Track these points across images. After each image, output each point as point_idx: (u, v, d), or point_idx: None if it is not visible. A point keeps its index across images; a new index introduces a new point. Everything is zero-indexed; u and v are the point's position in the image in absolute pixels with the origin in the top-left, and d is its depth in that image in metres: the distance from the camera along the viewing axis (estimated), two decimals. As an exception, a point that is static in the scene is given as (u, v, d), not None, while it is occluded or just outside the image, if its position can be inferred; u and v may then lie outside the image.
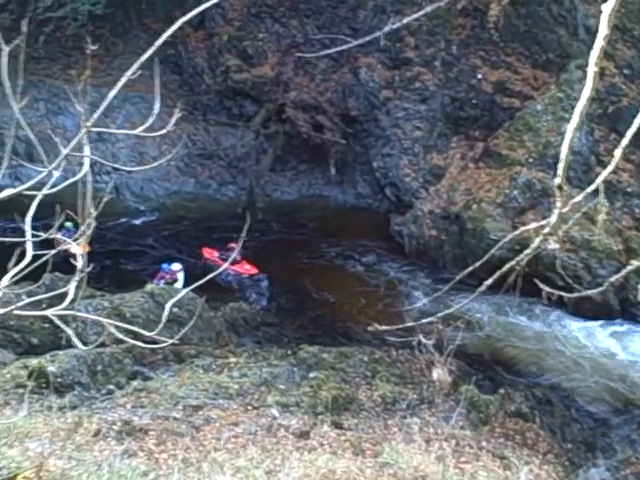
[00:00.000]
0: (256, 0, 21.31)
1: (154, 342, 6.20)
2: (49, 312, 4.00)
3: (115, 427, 9.65)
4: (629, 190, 17.11)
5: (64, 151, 3.59)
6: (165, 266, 16.40)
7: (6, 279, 3.79)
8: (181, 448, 9.66)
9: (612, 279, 7.41)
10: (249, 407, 10.76)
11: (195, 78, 21.58)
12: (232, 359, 12.04)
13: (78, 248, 4.28)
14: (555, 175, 5.29)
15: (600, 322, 15.71)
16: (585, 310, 15.63)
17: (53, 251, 4.04)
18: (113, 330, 4.25)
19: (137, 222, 19.51)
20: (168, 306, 6.57)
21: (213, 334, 13.27)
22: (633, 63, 18.16)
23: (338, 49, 20.34)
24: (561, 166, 5.07)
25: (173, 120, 3.80)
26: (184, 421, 10.28)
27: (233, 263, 17.09)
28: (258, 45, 21.15)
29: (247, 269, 17.40)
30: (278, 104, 20.58)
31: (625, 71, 18.10)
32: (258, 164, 20.66)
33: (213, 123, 21.29)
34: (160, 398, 10.78)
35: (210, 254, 17.69)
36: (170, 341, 6.34)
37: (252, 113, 21.07)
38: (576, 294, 7.49)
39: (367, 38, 19.97)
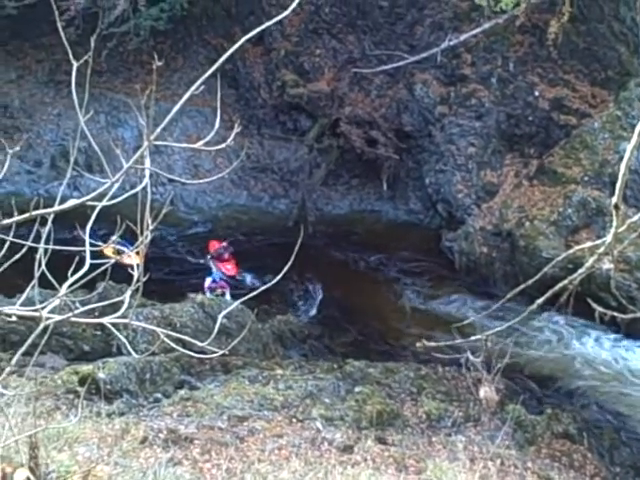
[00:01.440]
0: (314, 17, 21.50)
1: (203, 352, 6.27)
2: (105, 320, 4.09)
3: (161, 435, 9.80)
4: (686, 210, 16.71)
5: (126, 164, 3.68)
6: (214, 277, 16.58)
7: (65, 287, 3.88)
8: (225, 458, 9.74)
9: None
10: (294, 419, 10.80)
11: (251, 92, 21.84)
12: (278, 371, 12.12)
13: (135, 258, 4.38)
14: (611, 194, 5.22)
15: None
16: (638, 331, 15.28)
17: (112, 260, 4.14)
18: (165, 339, 4.32)
19: (189, 233, 19.77)
20: (220, 317, 6.64)
21: (260, 346, 13.37)
22: (694, 81, 17.76)
23: (394, 65, 20.44)
24: (618, 185, 4.99)
25: (233, 135, 3.86)
26: (229, 431, 10.37)
27: (221, 261, 17.47)
28: (315, 60, 21.32)
29: (228, 269, 17.50)
30: (332, 119, 20.68)
31: (686, 89, 17.71)
32: (310, 178, 20.76)
33: (267, 137, 21.50)
34: (206, 408, 10.91)
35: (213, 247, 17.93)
36: (220, 352, 6.40)
37: (306, 128, 21.21)
38: (630, 315, 7.36)
39: (424, 54, 20.08)
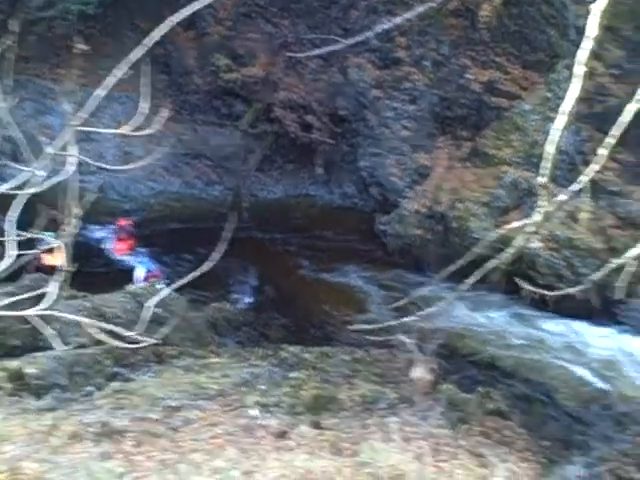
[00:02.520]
0: (247, 0, 21.28)
1: (136, 343, 6.10)
2: (29, 312, 3.93)
3: (92, 429, 9.64)
4: (614, 189, 17.07)
5: (49, 150, 3.53)
6: (148, 266, 16.34)
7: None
8: (159, 450, 9.63)
9: (593, 277, 7.36)
10: (229, 408, 10.72)
11: (184, 78, 21.55)
12: (213, 359, 12.01)
13: (57, 257, 4.23)
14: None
15: (581, 321, 15.70)
16: (566, 309, 15.61)
17: (35, 251, 3.97)
18: (93, 330, 4.17)
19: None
20: (148, 305, 6.47)
21: (194, 334, 13.24)
22: (622, 63, 18.09)
23: (329, 49, 20.31)
24: (545, 165, 5.01)
25: (160, 120, 3.75)
26: (163, 422, 10.24)
27: (120, 240, 17.28)
28: (248, 45, 21.14)
29: (117, 249, 17.33)
30: (267, 104, 20.56)
31: (613, 71, 18.03)
32: (245, 164, 20.65)
33: (201, 123, 21.29)
34: (139, 399, 10.75)
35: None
36: (150, 341, 6.24)
37: (241, 113, 21.06)
38: (557, 292, 7.45)
39: (358, 38, 19.98)
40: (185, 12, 3.63)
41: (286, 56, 20.70)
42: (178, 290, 12.49)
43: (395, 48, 20.08)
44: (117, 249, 17.43)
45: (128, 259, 17.50)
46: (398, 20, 19.79)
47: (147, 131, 3.88)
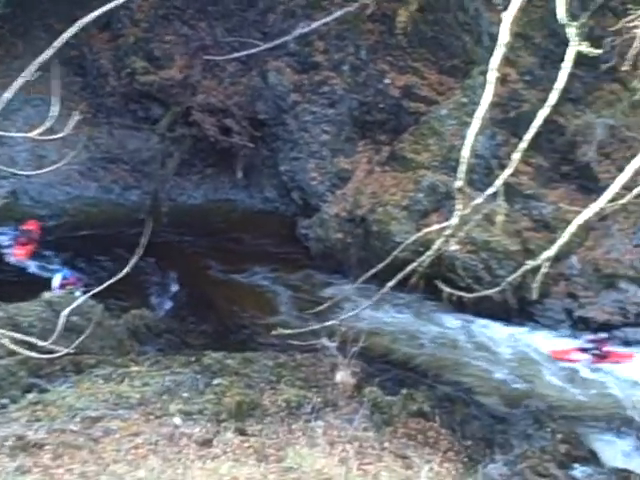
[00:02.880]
0: (164, 2, 20.98)
1: (52, 352, 5.90)
2: None
3: (8, 443, 9.38)
4: (528, 192, 17.58)
5: None
6: (64, 274, 15.93)
7: None
8: (78, 462, 9.44)
9: (509, 279, 7.53)
10: (151, 416, 10.57)
11: (99, 80, 21.09)
12: (133, 368, 11.80)
13: None
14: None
15: (499, 321, 16.11)
16: (485, 310, 16.00)
17: None
18: (4, 341, 4.01)
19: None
20: (64, 314, 6.28)
21: (114, 342, 12.97)
22: (534, 70, 18.66)
23: (247, 52, 20.24)
24: (461, 169, 5.09)
25: (72, 123, 3.63)
26: (82, 433, 10.03)
27: (17, 243, 16.97)
28: (165, 47, 20.84)
29: (15, 253, 17.06)
30: (185, 107, 20.30)
31: (526, 77, 18.59)
32: (163, 168, 20.33)
33: (117, 126, 20.85)
34: (57, 411, 10.51)
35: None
36: (66, 350, 6.04)
37: (158, 116, 20.72)
38: (475, 294, 7.60)
39: (276, 42, 19.99)
40: (98, 12, 3.53)
41: (204, 59, 20.51)
42: (95, 297, 12.20)
43: (314, 52, 20.16)
44: (15, 254, 16.88)
45: (43, 266, 17.02)
46: (316, 24, 19.91)
47: (59, 135, 3.76)
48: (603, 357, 15.02)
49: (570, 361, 15.15)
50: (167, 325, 14.73)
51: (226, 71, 20.69)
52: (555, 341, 15.67)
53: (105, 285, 4.54)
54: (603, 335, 15.41)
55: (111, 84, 20.93)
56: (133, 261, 5.73)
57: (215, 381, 11.38)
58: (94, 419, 10.29)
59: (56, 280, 15.94)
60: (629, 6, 11.17)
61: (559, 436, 11.87)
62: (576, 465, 11.34)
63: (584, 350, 15.19)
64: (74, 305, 6.47)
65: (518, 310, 16.34)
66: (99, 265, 17.30)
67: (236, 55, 20.33)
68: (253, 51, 20.13)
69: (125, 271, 5.35)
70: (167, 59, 20.72)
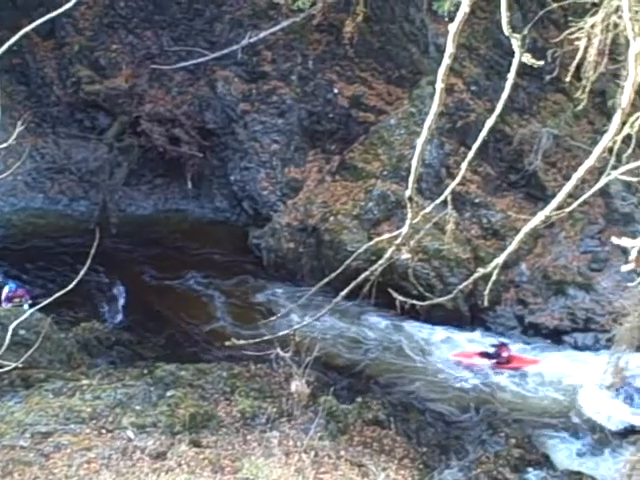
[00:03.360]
0: (109, 10, 20.74)
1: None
2: None
3: (-46, 460, 9.08)
4: (477, 201, 17.85)
5: None
6: (11, 286, 15.57)
7: None
8: (29, 478, 9.24)
9: (461, 287, 7.64)
10: (103, 430, 10.41)
11: (44, 89, 20.73)
12: (84, 381, 11.60)
13: None
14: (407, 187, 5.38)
15: (451, 328, 16.27)
16: (437, 317, 16.16)
17: None
18: None
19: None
20: (11, 328, 6.17)
21: (64, 356, 12.71)
22: (479, 80, 18.99)
23: (194, 62, 20.18)
24: (411, 178, 5.16)
25: (16, 133, 3.57)
26: (32, 449, 9.83)
27: None
28: (111, 56, 20.59)
29: None
30: (132, 117, 20.09)
31: (472, 88, 18.90)
32: (111, 178, 20.05)
33: (63, 136, 20.50)
34: (6, 427, 10.27)
35: None
36: (14, 365, 5.93)
37: (105, 126, 20.46)
38: (427, 302, 7.69)
39: (224, 51, 19.98)
40: (41, 20, 3.50)
41: (151, 68, 20.36)
42: (44, 310, 11.98)
43: (262, 62, 20.17)
44: None
45: None
46: (263, 34, 19.94)
47: (3, 145, 3.71)
48: (505, 362, 15.22)
49: (472, 365, 15.35)
50: (118, 337, 14.50)
51: (173, 80, 20.55)
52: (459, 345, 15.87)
53: (53, 298, 4.47)
54: (504, 341, 15.68)
55: (56, 93, 20.60)
56: (81, 273, 5.66)
57: (168, 393, 11.25)
58: (44, 434, 10.10)
59: (3, 293, 15.59)
60: (570, 18, 11.48)
61: (513, 441, 12.06)
62: (530, 469, 11.53)
63: (485, 355, 15.42)
64: (22, 318, 6.36)
65: (470, 317, 16.55)
66: (47, 277, 16.95)
67: (183, 64, 20.26)
68: (200, 60, 20.09)
69: (73, 284, 5.29)
70: (113, 68, 20.48)
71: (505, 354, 15.31)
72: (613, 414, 13.83)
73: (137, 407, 10.87)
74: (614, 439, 13.06)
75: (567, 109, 18.18)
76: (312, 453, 9.72)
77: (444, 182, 17.06)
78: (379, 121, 19.01)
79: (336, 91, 19.77)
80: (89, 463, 9.54)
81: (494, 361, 15.30)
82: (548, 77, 16.24)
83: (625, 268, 4.35)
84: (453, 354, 15.59)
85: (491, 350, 15.46)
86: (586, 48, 9.34)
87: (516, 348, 15.73)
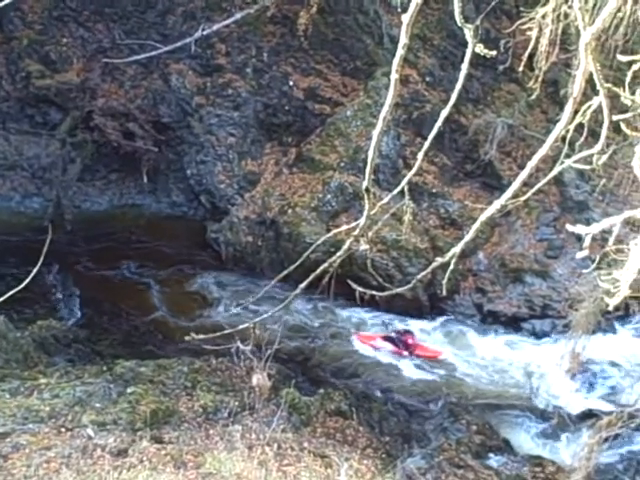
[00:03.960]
0: (58, 3, 20.38)
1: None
2: None
3: None
4: (434, 191, 18.00)
5: None
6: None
7: None
8: (-14, 480, 9.04)
9: (419, 276, 7.71)
10: (62, 429, 10.28)
11: (-8, 84, 20.32)
12: (42, 380, 11.43)
13: None
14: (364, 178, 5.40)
15: (411, 317, 16.40)
16: (397, 307, 16.27)
17: None
18: None
19: None
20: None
21: (20, 355, 12.50)
22: (434, 71, 19.13)
23: (147, 55, 19.93)
24: (368, 170, 5.18)
25: None
26: (-10, 450, 9.63)
27: None
28: (62, 50, 20.23)
29: None
30: (85, 111, 19.79)
31: (427, 78, 19.03)
32: (65, 174, 19.74)
33: (14, 132, 20.10)
34: (-39, 428, 10.05)
35: None
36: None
37: (57, 121, 20.11)
38: (387, 292, 7.74)
39: (177, 44, 19.76)
40: None
41: (103, 62, 20.07)
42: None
43: (216, 55, 20.02)
44: None
45: None
46: (217, 27, 19.78)
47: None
48: (406, 349, 15.33)
49: (373, 347, 15.40)
50: (76, 335, 14.30)
51: (126, 74, 20.28)
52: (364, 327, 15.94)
53: (6, 297, 4.39)
54: (409, 328, 15.81)
55: (5, 88, 20.20)
56: (34, 271, 5.57)
57: (129, 390, 11.16)
58: (2, 435, 9.94)
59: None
60: (522, 9, 11.60)
61: (474, 427, 12.20)
62: (491, 454, 11.69)
63: (388, 339, 15.50)
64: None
65: (430, 306, 16.70)
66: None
67: (136, 58, 20.00)
68: (153, 54, 19.84)
69: (26, 281, 5.21)
70: (64, 62, 20.14)
71: (410, 341, 15.38)
72: (571, 398, 14.10)
73: (97, 405, 10.76)
74: (572, 423, 13.30)
75: (521, 99, 18.41)
76: (275, 445, 9.73)
77: (401, 173, 17.16)
78: (335, 113, 19.04)
79: (291, 83, 19.73)
80: (48, 462, 9.41)
81: (396, 347, 15.34)
82: (501, 67, 16.44)
83: (580, 255, 4.42)
84: (355, 334, 15.65)
85: (394, 335, 15.48)
86: (538, 38, 9.44)
87: (475, 337, 15.93)
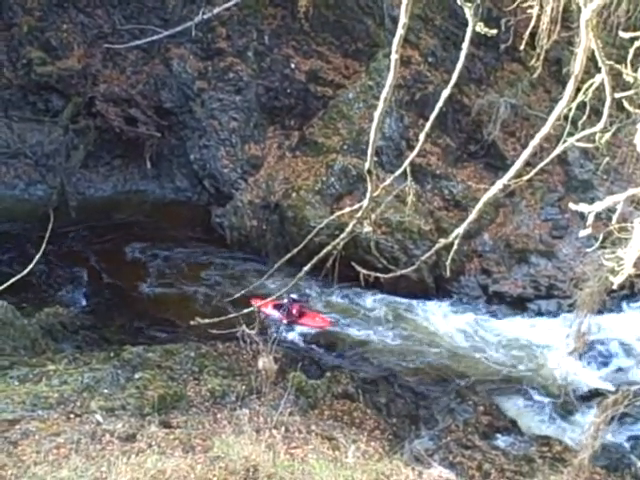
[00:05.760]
0: (57, -12, 20.31)
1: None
2: None
3: None
4: (437, 172, 17.96)
5: None
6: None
7: None
8: (-3, 466, 9.10)
9: (423, 258, 7.70)
10: (71, 415, 10.32)
11: (-7, 72, 20.28)
12: (50, 367, 11.49)
13: None
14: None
15: (417, 299, 16.41)
16: (402, 289, 16.28)
17: None
18: None
19: None
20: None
21: (28, 342, 12.56)
22: (436, 51, 19.02)
23: (148, 40, 19.85)
24: (369, 151, 5.16)
25: None
26: (-1, 437, 9.69)
27: None
28: (62, 36, 20.16)
29: None
30: (87, 98, 19.75)
31: (429, 59, 18.93)
32: (68, 161, 19.75)
33: (16, 119, 20.08)
34: (-29, 416, 10.11)
35: None
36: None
37: (59, 108, 20.08)
38: (391, 274, 7.74)
39: (178, 29, 19.68)
40: None
41: (104, 47, 20.01)
42: (4, 297, 11.81)
43: (217, 39, 19.93)
44: None
45: None
46: (217, 10, 19.67)
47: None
48: (287, 317, 15.24)
49: (265, 314, 15.18)
50: (83, 321, 14.36)
51: (127, 60, 20.22)
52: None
53: (10, 283, 4.40)
54: (302, 297, 15.66)
55: (6, 76, 20.16)
56: (36, 257, 5.59)
57: (137, 375, 11.21)
58: (11, 422, 9.98)
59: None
60: (523, -14, 11.53)
61: (481, 408, 12.23)
62: (498, 435, 11.72)
63: (277, 307, 15.38)
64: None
65: (435, 288, 16.71)
66: (5, 263, 16.70)
67: (137, 43, 19.93)
68: (154, 38, 19.77)
69: (29, 268, 5.23)
70: (65, 48, 20.08)
71: (294, 311, 15.26)
72: (577, 378, 14.12)
73: (105, 390, 10.81)
74: (579, 402, 13.33)
75: (524, 78, 18.31)
76: (282, 429, 9.77)
77: (404, 155, 17.11)
78: (337, 95, 18.97)
79: (293, 66, 19.65)
80: (58, 448, 9.46)
81: (283, 315, 15.25)
82: (503, 46, 16.33)
83: (583, 233, 4.42)
84: (254, 301, 15.46)
85: (284, 302, 15.31)
86: (539, 16, 9.38)
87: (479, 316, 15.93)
